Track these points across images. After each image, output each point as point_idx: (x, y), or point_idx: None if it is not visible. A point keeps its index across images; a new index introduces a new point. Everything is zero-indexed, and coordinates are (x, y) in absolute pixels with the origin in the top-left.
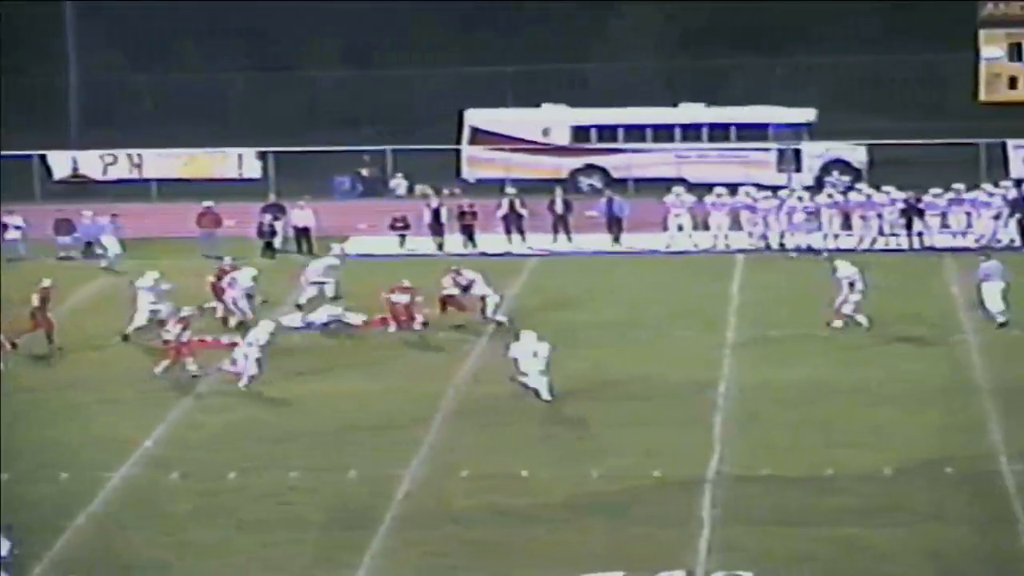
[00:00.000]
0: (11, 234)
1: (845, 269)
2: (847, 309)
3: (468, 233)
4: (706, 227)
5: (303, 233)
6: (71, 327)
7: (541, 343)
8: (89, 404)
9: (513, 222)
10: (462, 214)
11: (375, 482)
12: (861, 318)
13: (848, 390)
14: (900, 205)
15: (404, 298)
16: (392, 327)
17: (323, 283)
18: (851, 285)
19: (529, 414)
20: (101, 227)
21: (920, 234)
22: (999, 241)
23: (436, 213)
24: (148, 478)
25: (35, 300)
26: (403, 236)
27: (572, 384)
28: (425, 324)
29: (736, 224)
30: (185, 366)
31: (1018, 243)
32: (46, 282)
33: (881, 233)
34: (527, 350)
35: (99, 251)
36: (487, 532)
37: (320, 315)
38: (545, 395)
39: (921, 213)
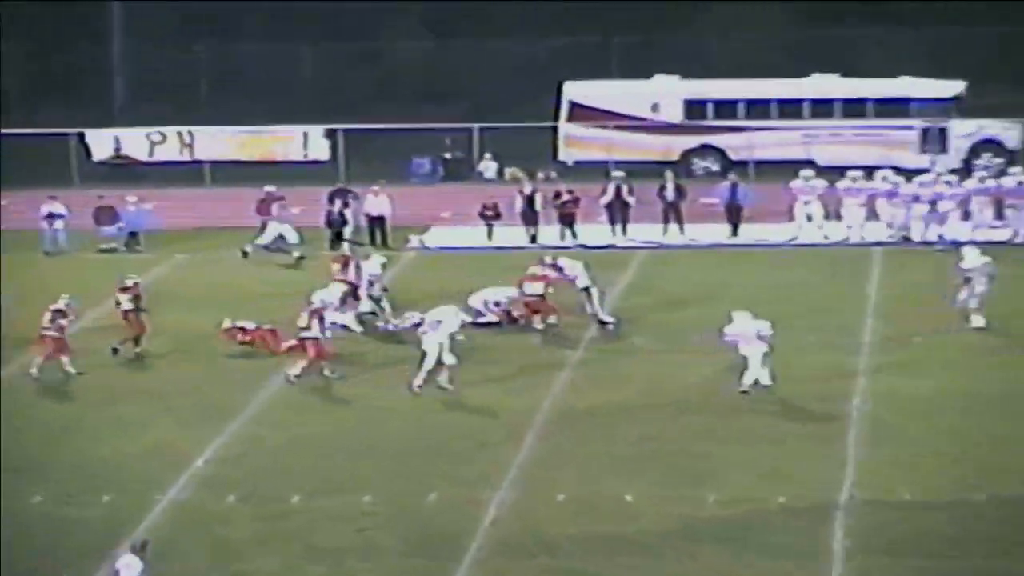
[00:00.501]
0: (54, 223)
1: (971, 260)
2: (972, 304)
3: (568, 222)
4: (838, 217)
5: (377, 222)
6: (117, 330)
7: (761, 321)
8: (137, 416)
9: (619, 211)
10: (562, 203)
11: (459, 506)
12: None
13: (1000, 402)
14: None
15: (538, 287)
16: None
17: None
18: (967, 280)
19: (635, 429)
20: (147, 215)
21: None
22: None
23: (530, 200)
24: (202, 500)
25: (125, 302)
26: (491, 226)
27: (685, 395)
28: (549, 325)
29: (873, 213)
30: (323, 370)
31: None
32: (130, 280)
33: None
34: (748, 331)
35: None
36: (587, 563)
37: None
38: (766, 380)
39: None
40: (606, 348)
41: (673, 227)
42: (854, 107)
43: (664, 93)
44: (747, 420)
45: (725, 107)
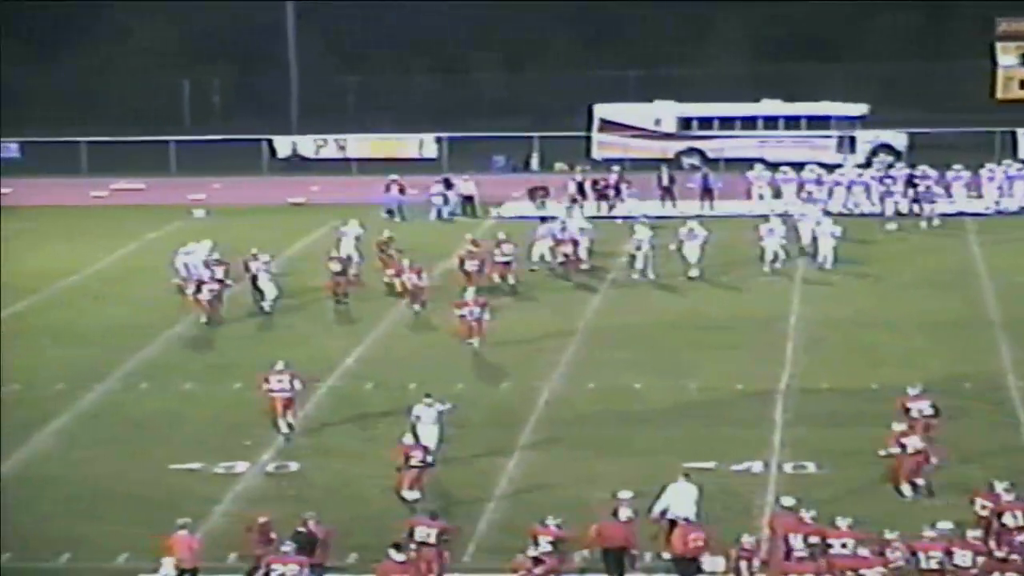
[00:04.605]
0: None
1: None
2: None
3: (605, 199)
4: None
5: (468, 200)
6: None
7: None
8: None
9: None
10: (602, 187)
11: (524, 392)
12: None
13: None
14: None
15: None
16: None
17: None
18: None
19: (642, 341)
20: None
21: None
22: None
23: (580, 185)
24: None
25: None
26: (543, 201)
27: (678, 317)
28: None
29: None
30: None
31: None
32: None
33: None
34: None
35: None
36: (610, 431)
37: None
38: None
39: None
40: (623, 288)
41: (668, 203)
42: (792, 121)
43: (663, 112)
44: (712, 329)
45: (705, 122)
